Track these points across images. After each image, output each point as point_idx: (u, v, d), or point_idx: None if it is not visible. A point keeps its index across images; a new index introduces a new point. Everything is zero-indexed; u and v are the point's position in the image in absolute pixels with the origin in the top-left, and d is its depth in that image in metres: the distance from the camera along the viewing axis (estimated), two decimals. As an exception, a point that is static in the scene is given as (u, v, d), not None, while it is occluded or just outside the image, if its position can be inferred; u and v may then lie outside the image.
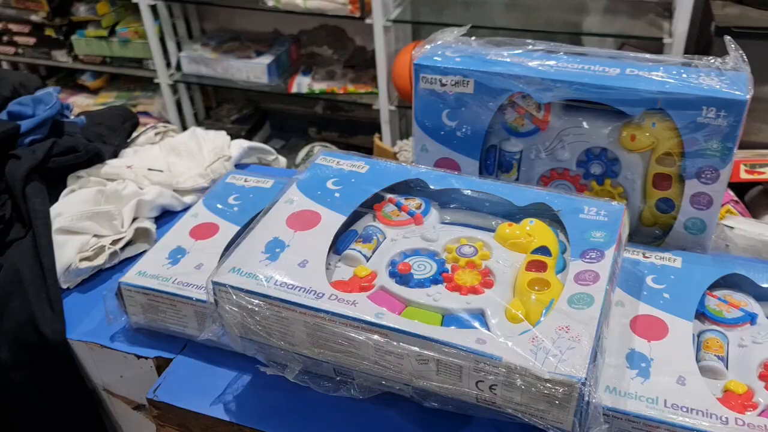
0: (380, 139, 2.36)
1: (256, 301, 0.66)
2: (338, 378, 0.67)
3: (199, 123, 2.77)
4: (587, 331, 0.60)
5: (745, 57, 0.76)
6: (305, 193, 0.78)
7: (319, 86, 2.46)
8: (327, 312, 0.63)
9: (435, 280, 0.68)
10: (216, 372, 0.77)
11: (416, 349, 0.61)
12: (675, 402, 0.61)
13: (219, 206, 0.91)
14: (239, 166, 1.14)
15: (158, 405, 0.74)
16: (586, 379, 0.56)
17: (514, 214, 0.77)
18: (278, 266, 0.68)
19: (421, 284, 0.68)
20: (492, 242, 0.74)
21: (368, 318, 0.62)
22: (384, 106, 2.35)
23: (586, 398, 0.56)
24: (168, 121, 2.64)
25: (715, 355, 0.68)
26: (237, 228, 0.87)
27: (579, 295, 0.64)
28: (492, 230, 0.76)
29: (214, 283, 0.67)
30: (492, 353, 0.58)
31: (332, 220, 0.74)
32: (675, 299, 0.72)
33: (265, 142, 2.48)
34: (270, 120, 2.92)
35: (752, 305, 0.74)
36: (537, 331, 0.60)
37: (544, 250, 0.71)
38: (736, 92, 0.73)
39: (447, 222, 0.80)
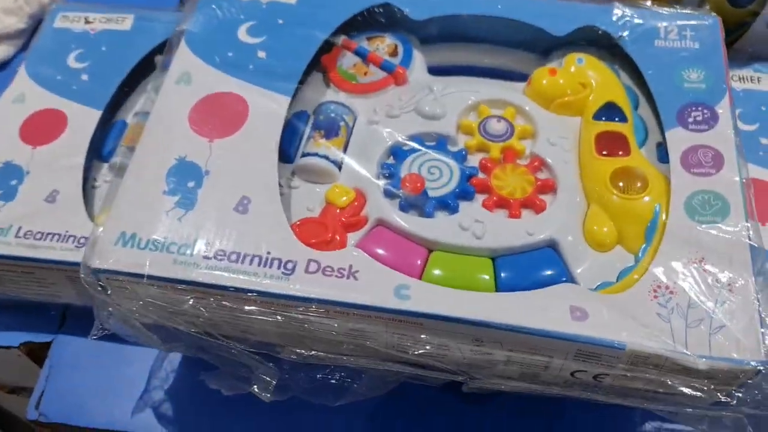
0: None
1: (185, 297, 0.38)
2: (338, 378, 0.43)
3: None
4: (740, 265, 0.37)
5: None
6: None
7: None
8: (304, 300, 0.37)
9: (463, 194, 0.42)
10: (124, 353, 0.50)
11: (468, 347, 0.37)
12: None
13: (56, 77, 0.56)
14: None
15: (48, 427, 0.49)
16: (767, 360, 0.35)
17: (547, 48, 0.50)
18: (200, 216, 0.39)
19: (444, 205, 0.42)
20: (527, 104, 0.47)
21: (380, 303, 0.36)
22: None
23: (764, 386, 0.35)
24: None
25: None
26: (97, 114, 0.54)
27: (701, 195, 0.40)
28: (513, 75, 0.49)
29: (98, 272, 0.38)
30: (605, 338, 0.35)
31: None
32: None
33: None
34: None
35: None
36: (651, 273, 0.37)
37: (611, 111, 0.45)
38: None
39: (436, 67, 0.51)
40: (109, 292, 0.39)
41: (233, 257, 0.38)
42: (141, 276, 0.37)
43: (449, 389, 0.43)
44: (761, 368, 0.34)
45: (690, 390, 0.36)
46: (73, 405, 0.49)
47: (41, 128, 0.53)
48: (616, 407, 0.40)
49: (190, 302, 0.38)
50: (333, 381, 0.41)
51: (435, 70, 0.50)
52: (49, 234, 0.47)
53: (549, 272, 0.39)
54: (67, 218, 0.48)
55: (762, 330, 0.35)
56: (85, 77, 0.56)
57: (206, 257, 0.38)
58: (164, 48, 0.56)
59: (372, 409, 0.47)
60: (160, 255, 0.38)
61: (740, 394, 0.35)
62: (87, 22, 0.59)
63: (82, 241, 0.47)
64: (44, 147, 0.52)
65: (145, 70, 0.58)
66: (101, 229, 0.39)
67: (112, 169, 0.52)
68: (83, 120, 0.53)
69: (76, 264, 0.42)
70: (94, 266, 0.38)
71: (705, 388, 0.35)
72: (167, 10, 0.64)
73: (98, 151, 0.54)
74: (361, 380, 0.42)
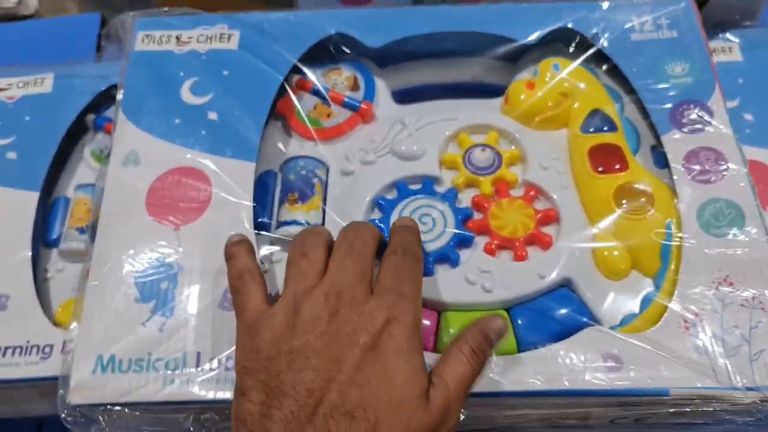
0: None
1: (181, 416, 0.34)
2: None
3: None
4: (766, 279, 0.35)
5: None
6: None
7: None
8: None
9: (463, 241, 0.39)
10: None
11: (500, 414, 0.35)
12: None
13: None
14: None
15: None
16: (813, 384, 0.33)
17: (515, 54, 0.46)
18: (183, 321, 0.35)
19: (444, 257, 0.38)
20: (509, 125, 0.43)
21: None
22: None
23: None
24: None
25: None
26: (35, 196, 0.48)
27: (712, 205, 0.38)
28: (482, 87, 0.46)
29: (80, 408, 0.34)
30: (646, 388, 0.33)
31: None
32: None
33: None
34: None
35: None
36: (678, 302, 0.35)
37: (599, 119, 0.42)
38: None
39: (400, 91, 0.47)
40: (103, 425, 0.34)
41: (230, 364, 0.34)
42: (133, 405, 0.33)
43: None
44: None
45: (739, 417, 0.34)
46: None
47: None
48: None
49: (190, 422, 0.34)
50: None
51: (399, 95, 0.46)
52: (8, 348, 0.42)
53: (569, 313, 0.36)
54: (24, 326, 0.43)
55: (803, 350, 0.33)
56: (12, 155, 0.49)
57: (202, 370, 0.34)
58: (93, 106, 0.51)
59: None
60: (148, 375, 0.34)
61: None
62: (1, 89, 0.53)
63: (47, 350, 0.42)
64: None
65: (76, 132, 0.52)
66: (72, 350, 0.34)
67: (64, 256, 0.47)
68: (20, 205, 0.47)
69: (48, 379, 0.39)
70: (74, 403, 0.33)
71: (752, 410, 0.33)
72: (85, 62, 0.58)
73: (42, 236, 0.48)
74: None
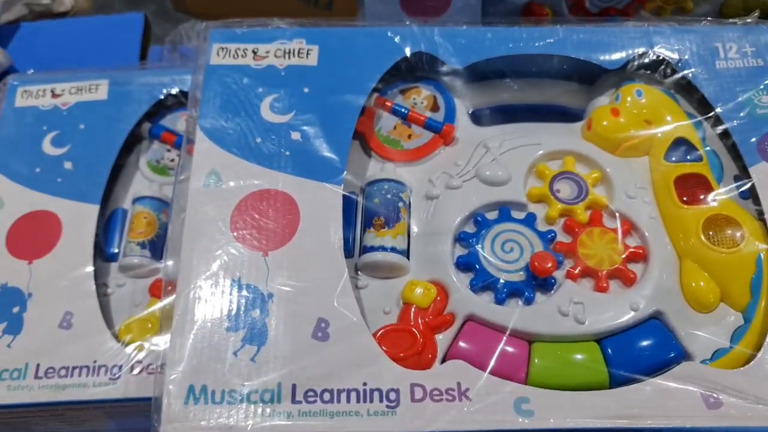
0: None
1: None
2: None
3: None
4: None
5: None
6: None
7: None
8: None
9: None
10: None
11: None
12: None
13: (34, 169, 0.48)
14: (-2, 30, 0.65)
15: None
16: None
17: (592, 76, 0.46)
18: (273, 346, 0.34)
19: (540, 286, 0.38)
20: (590, 150, 0.43)
21: (505, 425, 0.33)
22: None
23: None
24: None
25: None
26: (94, 209, 0.47)
27: (804, 238, 0.38)
28: (556, 109, 0.45)
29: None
30: (749, 426, 0.33)
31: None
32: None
33: None
34: None
35: None
36: (775, 334, 0.35)
37: (682, 148, 0.42)
38: None
39: (476, 114, 0.46)
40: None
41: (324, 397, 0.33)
42: None
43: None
44: None
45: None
46: None
47: (32, 237, 0.45)
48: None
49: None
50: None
51: (474, 115, 0.46)
52: (75, 368, 0.41)
53: (660, 346, 0.36)
54: (91, 345, 0.42)
55: None
56: (68, 165, 0.48)
57: (298, 402, 0.33)
58: (148, 114, 0.50)
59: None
60: (241, 407, 0.33)
61: None
62: (54, 95, 0.51)
63: (115, 371, 0.41)
64: (42, 260, 0.44)
65: (131, 140, 0.51)
66: (159, 378, 0.34)
67: (124, 271, 0.46)
68: (79, 219, 0.46)
69: (117, 401, 0.38)
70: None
71: None
72: (129, 65, 0.56)
73: (100, 249, 0.47)
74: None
